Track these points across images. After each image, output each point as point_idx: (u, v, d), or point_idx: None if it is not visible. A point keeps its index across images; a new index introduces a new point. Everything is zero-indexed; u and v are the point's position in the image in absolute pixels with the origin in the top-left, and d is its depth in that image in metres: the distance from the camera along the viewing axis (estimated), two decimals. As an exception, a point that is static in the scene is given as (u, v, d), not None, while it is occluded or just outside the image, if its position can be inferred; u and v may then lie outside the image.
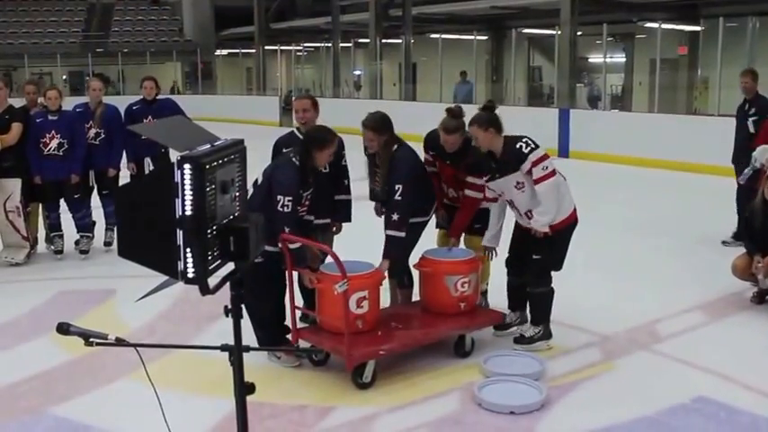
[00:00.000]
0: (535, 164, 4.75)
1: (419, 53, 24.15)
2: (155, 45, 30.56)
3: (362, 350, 4.53)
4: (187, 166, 2.14)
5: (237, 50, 30.10)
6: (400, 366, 4.77)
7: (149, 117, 7.65)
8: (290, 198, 4.58)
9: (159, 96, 8.22)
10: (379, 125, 5.01)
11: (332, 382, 4.61)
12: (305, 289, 5.08)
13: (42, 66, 29.54)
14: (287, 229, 4.57)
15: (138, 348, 2.50)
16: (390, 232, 4.90)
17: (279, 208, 4.56)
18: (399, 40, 23.24)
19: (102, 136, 7.63)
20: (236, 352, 2.43)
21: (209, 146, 2.31)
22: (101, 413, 4.26)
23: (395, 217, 4.87)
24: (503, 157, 4.87)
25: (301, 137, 5.10)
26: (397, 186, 4.88)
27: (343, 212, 5.38)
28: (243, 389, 2.46)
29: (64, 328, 2.42)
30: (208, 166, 2.18)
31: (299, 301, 5.01)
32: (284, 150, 5.06)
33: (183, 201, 2.14)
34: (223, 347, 2.45)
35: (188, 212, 2.14)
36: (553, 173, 4.78)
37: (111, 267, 7.12)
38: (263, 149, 5.03)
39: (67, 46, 30.22)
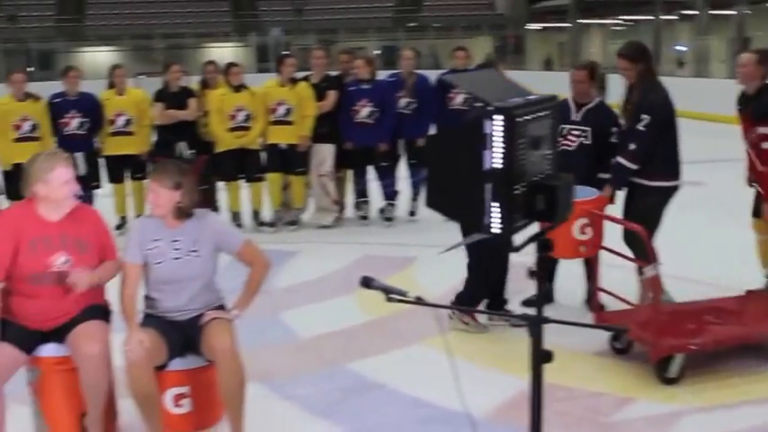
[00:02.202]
0: None
1: (754, 26, 21.94)
2: (466, 19, 30.95)
3: (670, 342, 4.16)
4: (498, 117, 2.06)
5: (550, 24, 29.61)
6: (713, 365, 4.31)
7: (459, 87, 7.66)
8: None
9: (468, 67, 8.24)
10: (634, 53, 4.77)
11: (633, 373, 4.30)
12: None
13: (356, 40, 31.26)
14: None
15: (436, 311, 2.45)
16: (622, 160, 4.67)
17: None
18: (732, 12, 21.28)
19: (414, 106, 7.76)
20: (535, 320, 2.26)
21: (521, 99, 2.20)
22: (394, 373, 4.33)
23: (631, 146, 4.64)
24: None
25: (573, 105, 4.99)
26: (643, 116, 4.60)
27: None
28: (539, 357, 2.28)
29: (367, 282, 2.48)
30: (519, 119, 2.09)
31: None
32: None
33: (493, 153, 2.06)
34: (523, 317, 2.31)
35: (497, 166, 2.06)
36: None
37: (413, 236, 7.29)
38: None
39: (380, 20, 31.57)
